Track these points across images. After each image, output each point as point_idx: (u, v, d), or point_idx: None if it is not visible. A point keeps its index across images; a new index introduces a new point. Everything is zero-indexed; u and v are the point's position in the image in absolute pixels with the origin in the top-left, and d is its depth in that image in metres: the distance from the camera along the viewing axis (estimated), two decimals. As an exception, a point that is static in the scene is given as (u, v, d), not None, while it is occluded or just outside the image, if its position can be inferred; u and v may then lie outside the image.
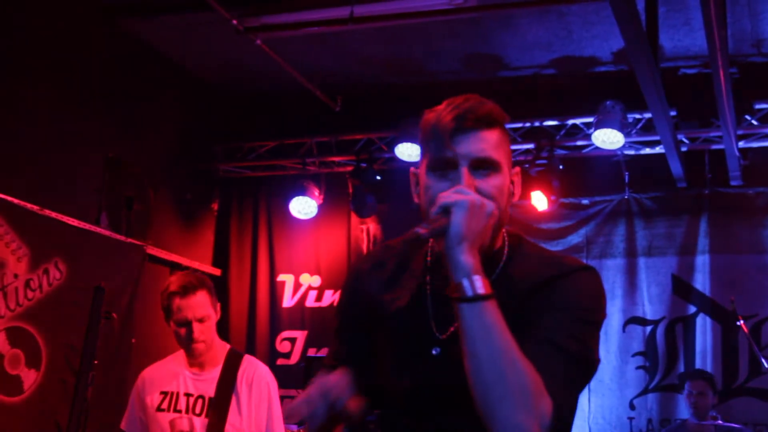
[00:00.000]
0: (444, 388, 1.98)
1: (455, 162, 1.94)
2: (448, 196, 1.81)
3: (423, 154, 2.02)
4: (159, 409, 3.89)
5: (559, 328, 1.89)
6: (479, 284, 1.77)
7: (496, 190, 1.96)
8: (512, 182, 2.07)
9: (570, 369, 1.86)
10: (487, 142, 1.97)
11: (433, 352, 2.02)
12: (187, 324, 3.77)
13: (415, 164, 2.16)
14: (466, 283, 1.77)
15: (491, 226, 1.89)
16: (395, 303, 2.11)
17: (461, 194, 1.82)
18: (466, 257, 1.79)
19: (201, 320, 3.80)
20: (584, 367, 1.93)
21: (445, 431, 2.02)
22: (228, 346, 4.05)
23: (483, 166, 1.96)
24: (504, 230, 2.10)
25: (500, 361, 1.75)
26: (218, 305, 3.93)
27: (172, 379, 3.95)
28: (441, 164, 1.96)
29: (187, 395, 3.90)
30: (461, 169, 1.93)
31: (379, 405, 2.12)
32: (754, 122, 6.80)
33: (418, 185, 2.03)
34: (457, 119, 1.95)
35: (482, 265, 1.86)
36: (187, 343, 3.83)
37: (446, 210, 1.80)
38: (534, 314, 1.92)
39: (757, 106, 6.75)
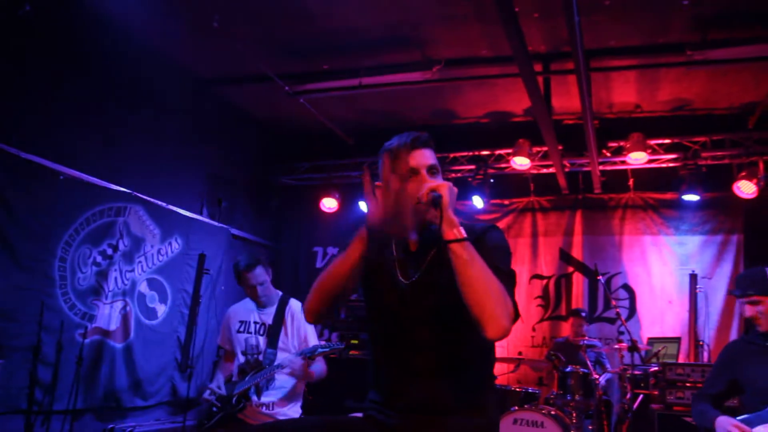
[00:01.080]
0: (409, 313, 2.03)
1: (417, 169, 2.03)
2: (435, 185, 1.91)
3: (388, 171, 1.93)
4: (238, 331, 3.98)
5: (497, 258, 1.94)
6: (463, 231, 1.86)
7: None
8: None
9: (509, 282, 1.91)
10: (431, 155, 2.08)
11: (403, 288, 2.04)
12: (252, 287, 3.89)
13: None
14: (456, 231, 1.84)
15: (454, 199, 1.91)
16: (375, 257, 2.06)
17: (439, 182, 1.94)
18: (453, 216, 1.86)
19: (261, 283, 3.90)
20: (513, 280, 1.97)
21: (411, 339, 2.03)
22: (281, 293, 4.05)
23: (432, 170, 2.05)
24: None
25: (486, 277, 1.82)
26: (270, 270, 3.98)
27: (247, 312, 4.01)
28: (405, 172, 2.02)
29: (255, 323, 3.95)
30: (422, 172, 2.03)
31: (376, 338, 2.14)
32: (608, 154, 6.92)
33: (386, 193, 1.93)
34: (415, 140, 2.06)
35: (425, 238, 2.05)
36: (253, 296, 3.97)
37: (433, 190, 1.88)
38: (480, 253, 1.89)
39: (610, 144, 6.87)
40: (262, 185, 8.33)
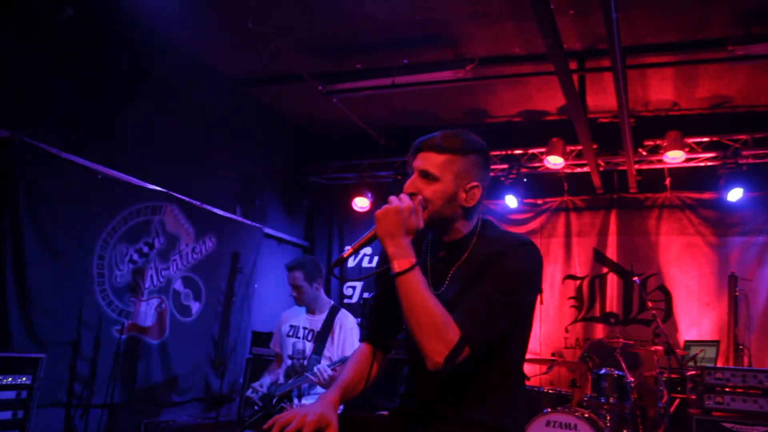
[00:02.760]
0: None
1: (412, 170, 1.99)
2: (378, 212, 1.89)
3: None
4: (288, 335, 4.08)
5: (489, 284, 1.84)
6: (395, 264, 1.82)
7: (432, 194, 1.93)
8: (465, 191, 1.97)
9: (488, 311, 1.80)
10: (430, 161, 1.95)
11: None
12: (292, 287, 4.05)
13: None
14: (390, 267, 1.84)
15: (406, 216, 1.86)
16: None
17: (384, 206, 1.88)
18: (390, 249, 1.84)
19: (297, 287, 4.01)
20: (504, 311, 1.83)
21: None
22: (332, 302, 4.12)
23: (426, 176, 1.95)
24: (477, 219, 2.05)
25: (416, 311, 1.78)
26: (315, 278, 4.06)
27: (297, 317, 4.12)
28: (408, 172, 2.00)
29: (304, 328, 4.05)
30: (413, 175, 1.98)
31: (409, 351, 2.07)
32: (644, 153, 6.83)
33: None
34: (421, 141, 1.99)
35: (451, 247, 1.97)
36: (295, 299, 4.10)
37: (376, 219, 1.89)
38: (481, 276, 1.87)
39: (646, 143, 6.79)
40: (295, 184, 8.37)
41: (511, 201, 7.29)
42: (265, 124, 7.79)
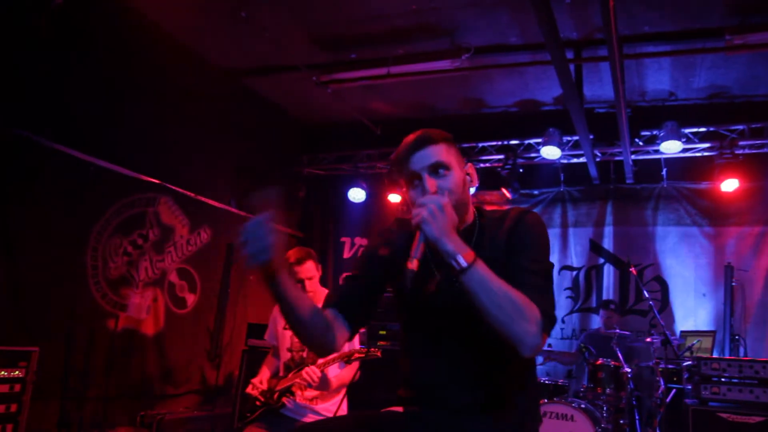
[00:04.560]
0: (449, 306, 1.95)
1: (418, 173, 1.90)
2: (414, 215, 1.75)
3: (401, 182, 1.94)
4: (284, 327, 3.94)
5: (522, 257, 1.86)
6: (462, 259, 1.71)
7: (452, 184, 1.91)
8: (468, 174, 2.02)
9: (539, 282, 1.83)
10: (434, 152, 1.92)
11: (440, 283, 1.97)
12: (301, 281, 3.78)
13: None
14: (454, 263, 1.72)
15: (451, 212, 1.78)
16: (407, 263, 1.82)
17: (421, 207, 1.74)
18: (447, 247, 1.72)
19: (309, 278, 3.80)
20: (546, 277, 1.89)
21: (445, 328, 1.96)
22: (327, 291, 3.96)
23: (437, 168, 1.90)
24: (472, 206, 2.06)
25: (497, 299, 1.72)
26: (320, 267, 3.91)
27: None
28: (410, 178, 1.92)
29: None
30: (424, 176, 1.90)
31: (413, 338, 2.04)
32: (641, 143, 6.80)
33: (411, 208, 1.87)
34: (411, 144, 1.93)
35: (463, 236, 1.84)
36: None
37: (419, 227, 1.73)
38: (510, 253, 1.89)
39: (642, 133, 6.76)
40: (290, 176, 8.34)
41: (506, 192, 7.26)
42: (261, 115, 7.75)
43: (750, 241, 6.81)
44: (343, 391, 3.90)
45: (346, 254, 8.55)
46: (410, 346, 2.06)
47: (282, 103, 7.93)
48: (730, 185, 6.52)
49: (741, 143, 6.51)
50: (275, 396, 3.75)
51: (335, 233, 8.63)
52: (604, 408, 5.62)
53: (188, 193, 6.33)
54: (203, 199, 6.54)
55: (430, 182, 1.89)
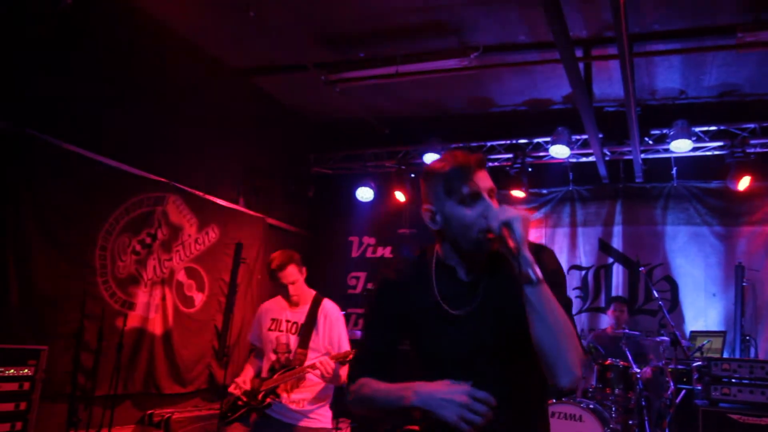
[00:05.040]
0: (463, 348, 1.87)
1: (479, 194, 1.83)
2: (505, 214, 1.71)
3: (443, 195, 1.84)
4: (269, 329, 3.89)
5: (557, 290, 1.78)
6: (539, 272, 1.70)
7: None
8: None
9: (572, 319, 1.79)
10: (489, 177, 1.89)
11: (452, 325, 1.88)
12: (284, 286, 3.80)
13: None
14: (531, 273, 1.68)
15: (528, 226, 1.75)
16: (419, 301, 1.93)
17: (513, 211, 1.72)
18: (526, 254, 1.69)
19: (292, 283, 3.79)
20: (571, 310, 1.88)
21: (470, 374, 1.79)
22: (314, 292, 3.94)
23: (492, 192, 1.86)
24: None
25: (557, 322, 1.70)
26: (304, 269, 3.87)
27: (279, 310, 3.92)
28: (469, 198, 1.82)
29: (287, 321, 3.86)
30: (485, 197, 1.83)
31: (423, 368, 1.95)
32: (650, 142, 6.76)
33: (436, 218, 1.87)
34: (477, 161, 1.85)
35: (484, 264, 1.87)
36: (284, 295, 3.88)
37: (507, 224, 1.70)
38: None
39: (652, 132, 6.72)
40: (299, 175, 8.35)
41: (517, 191, 7.27)
42: (269, 113, 7.75)
43: (761, 241, 6.75)
44: (330, 398, 3.89)
45: (354, 253, 8.55)
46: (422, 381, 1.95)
47: (290, 102, 7.92)
48: (743, 184, 6.43)
49: (752, 142, 6.45)
50: (260, 396, 3.73)
51: (343, 232, 8.63)
52: (613, 408, 5.59)
53: (196, 192, 6.34)
54: (211, 197, 6.55)
55: (495, 204, 1.85)
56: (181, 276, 6.18)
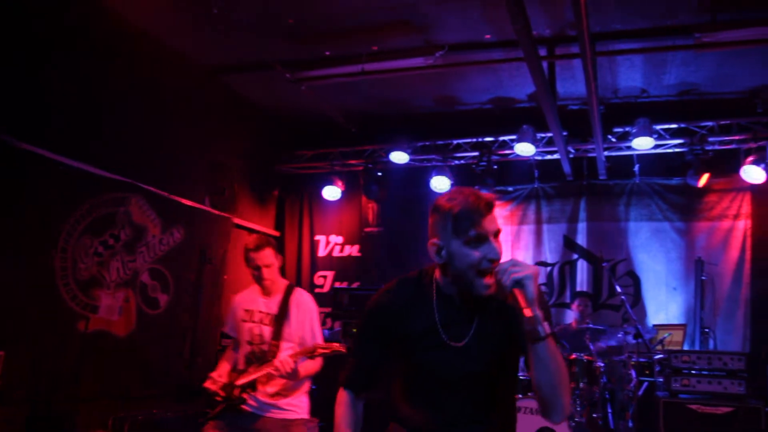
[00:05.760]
0: (455, 374, 2.00)
1: (486, 237, 1.89)
2: (517, 273, 1.78)
3: (451, 234, 1.90)
4: (243, 320, 3.85)
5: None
6: (544, 328, 1.81)
7: (501, 248, 1.94)
8: None
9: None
10: (496, 219, 1.94)
11: (447, 352, 2.00)
12: (258, 268, 3.74)
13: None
14: (540, 330, 1.80)
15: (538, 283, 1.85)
16: (414, 325, 2.03)
17: (525, 269, 1.80)
18: (538, 311, 1.79)
19: (267, 266, 3.73)
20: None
21: (462, 403, 2.01)
22: (287, 282, 3.91)
23: (497, 234, 1.92)
24: None
25: (559, 372, 1.84)
26: (280, 257, 3.84)
27: (252, 301, 3.87)
28: (475, 239, 1.87)
29: (260, 312, 3.81)
30: (492, 240, 1.90)
31: (414, 396, 2.10)
32: (613, 140, 6.84)
33: (442, 253, 1.94)
34: (487, 204, 1.90)
35: (477, 301, 1.97)
36: (258, 280, 3.80)
37: (520, 283, 1.77)
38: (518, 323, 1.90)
39: (615, 130, 6.80)
40: (265, 174, 8.27)
41: (483, 189, 7.20)
42: (235, 112, 7.66)
43: (719, 236, 6.91)
44: (307, 386, 3.85)
45: (321, 252, 8.52)
46: (411, 394, 2.13)
47: (257, 101, 7.84)
48: (701, 181, 6.59)
49: (710, 139, 6.60)
50: (236, 391, 3.69)
51: (310, 231, 8.59)
52: (578, 402, 5.66)
53: (160, 192, 6.21)
54: (176, 198, 6.43)
55: (499, 245, 1.93)
56: (145, 277, 6.06)
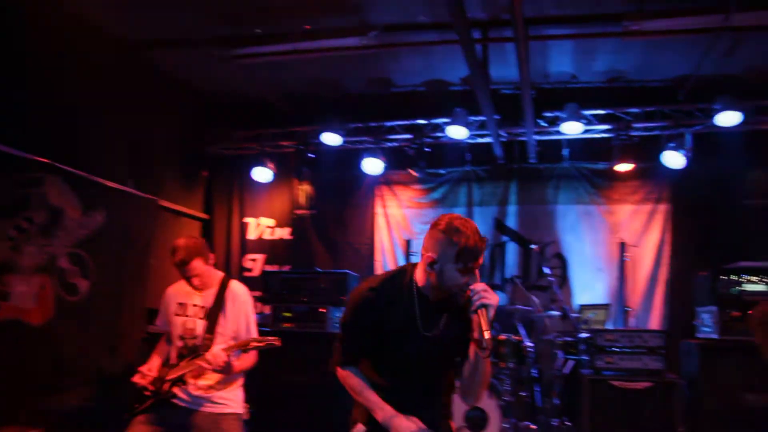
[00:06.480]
0: (423, 358, 2.56)
1: (474, 269, 2.43)
2: (486, 299, 2.32)
3: (450, 259, 2.37)
4: (176, 314, 3.78)
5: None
6: (491, 345, 2.33)
7: (478, 276, 2.49)
8: None
9: None
10: (483, 256, 2.47)
11: (420, 342, 2.54)
12: (188, 278, 3.70)
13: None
14: (485, 343, 2.31)
15: None
16: (394, 317, 2.53)
17: (492, 297, 2.34)
18: (492, 331, 2.32)
19: (197, 276, 3.69)
20: None
21: (423, 382, 2.62)
22: (222, 274, 3.86)
23: (479, 266, 2.46)
24: None
25: (486, 376, 2.54)
26: (211, 256, 3.77)
27: (185, 294, 3.81)
28: (466, 269, 2.39)
29: (194, 305, 3.75)
30: (476, 273, 2.45)
31: (384, 371, 2.62)
32: (544, 124, 6.95)
33: (435, 266, 2.42)
34: (483, 250, 2.42)
35: (443, 302, 2.54)
36: (188, 283, 3.75)
37: (486, 307, 2.31)
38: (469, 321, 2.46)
39: (545, 115, 6.90)
40: (193, 155, 8.02)
41: (415, 171, 7.34)
42: (162, 90, 7.32)
43: (642, 219, 7.15)
44: (241, 380, 3.77)
45: (251, 235, 8.35)
46: (383, 375, 2.64)
47: (185, 79, 7.53)
48: (625, 166, 6.80)
49: (635, 126, 6.78)
50: (166, 386, 3.54)
51: (240, 214, 8.40)
52: (507, 381, 5.77)
53: (80, 173, 5.87)
54: (97, 179, 6.10)
55: (478, 275, 2.48)
56: (63, 262, 5.72)
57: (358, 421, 2.65)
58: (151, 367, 3.68)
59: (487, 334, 2.27)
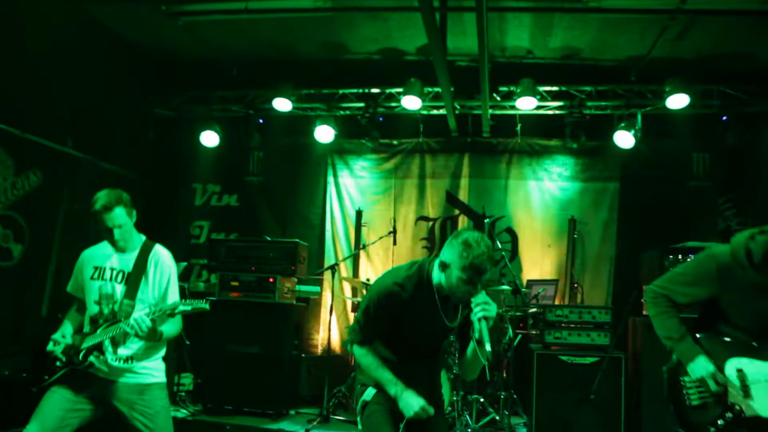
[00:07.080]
0: (436, 341, 3.03)
1: (477, 283, 2.66)
2: (487, 309, 2.58)
3: (460, 270, 2.62)
4: (92, 278, 3.46)
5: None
6: (489, 347, 2.57)
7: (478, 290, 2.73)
8: None
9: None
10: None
11: (440, 330, 2.92)
12: (109, 230, 3.38)
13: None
14: (485, 348, 2.57)
15: None
16: (417, 309, 2.83)
17: (492, 310, 2.60)
18: (492, 337, 2.57)
19: (119, 226, 3.38)
20: None
21: (429, 358, 3.04)
22: (144, 237, 3.58)
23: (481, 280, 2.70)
24: None
25: (481, 365, 2.79)
26: (134, 212, 3.46)
27: (103, 258, 3.49)
28: (469, 282, 2.63)
29: (112, 269, 3.46)
30: (479, 287, 2.68)
31: (396, 349, 2.95)
32: (498, 98, 6.92)
33: (446, 271, 2.68)
34: (489, 270, 2.64)
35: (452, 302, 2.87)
36: (110, 240, 3.44)
37: (487, 319, 2.57)
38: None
39: (500, 89, 6.89)
40: (138, 116, 7.68)
41: (369, 141, 7.24)
42: (104, 47, 6.93)
43: (591, 197, 7.25)
44: (163, 351, 3.56)
45: (198, 201, 8.13)
46: (395, 352, 2.99)
47: (129, 36, 7.20)
48: (577, 143, 6.84)
49: (588, 104, 6.81)
50: (81, 354, 3.32)
51: (186, 179, 8.15)
52: (456, 355, 5.75)
53: (13, 131, 5.57)
54: (33, 137, 5.81)
55: (477, 290, 2.71)
56: (-6, 225, 5.44)
57: (369, 385, 2.98)
58: (64, 334, 3.43)
59: (488, 347, 2.56)
